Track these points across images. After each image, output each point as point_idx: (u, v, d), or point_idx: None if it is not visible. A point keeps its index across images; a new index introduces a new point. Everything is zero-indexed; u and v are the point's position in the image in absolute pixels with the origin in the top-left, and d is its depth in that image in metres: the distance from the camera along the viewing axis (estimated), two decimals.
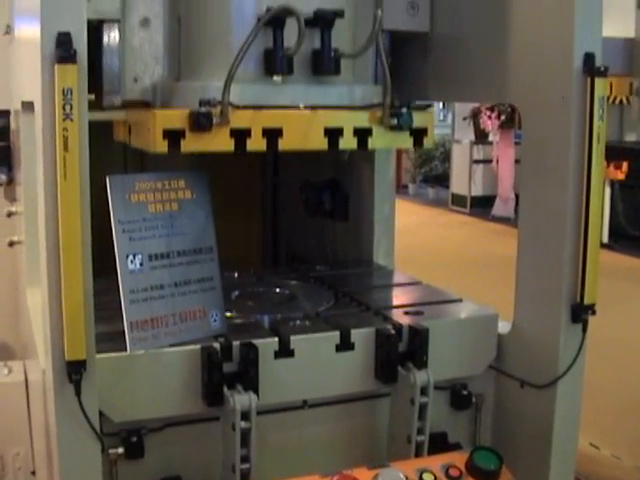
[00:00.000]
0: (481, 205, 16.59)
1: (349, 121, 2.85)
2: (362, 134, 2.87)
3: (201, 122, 2.62)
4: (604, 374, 6.30)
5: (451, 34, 3.48)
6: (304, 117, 2.81)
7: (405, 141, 2.95)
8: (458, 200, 17.21)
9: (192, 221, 2.86)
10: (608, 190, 12.61)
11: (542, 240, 3.03)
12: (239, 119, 2.69)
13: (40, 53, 2.35)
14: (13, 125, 4.07)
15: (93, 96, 2.78)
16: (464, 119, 16.35)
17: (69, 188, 2.35)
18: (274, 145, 2.76)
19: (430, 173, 19.64)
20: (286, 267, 4.62)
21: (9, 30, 4.09)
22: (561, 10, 2.85)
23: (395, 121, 2.86)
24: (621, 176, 12.45)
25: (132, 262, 2.71)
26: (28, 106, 2.88)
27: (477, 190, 16.99)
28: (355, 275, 3.90)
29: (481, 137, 16.66)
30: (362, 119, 2.88)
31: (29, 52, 2.76)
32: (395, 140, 2.94)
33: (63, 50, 2.31)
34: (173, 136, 2.65)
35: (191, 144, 2.66)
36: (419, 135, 2.96)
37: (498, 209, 15.83)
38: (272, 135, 2.75)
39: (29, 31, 2.77)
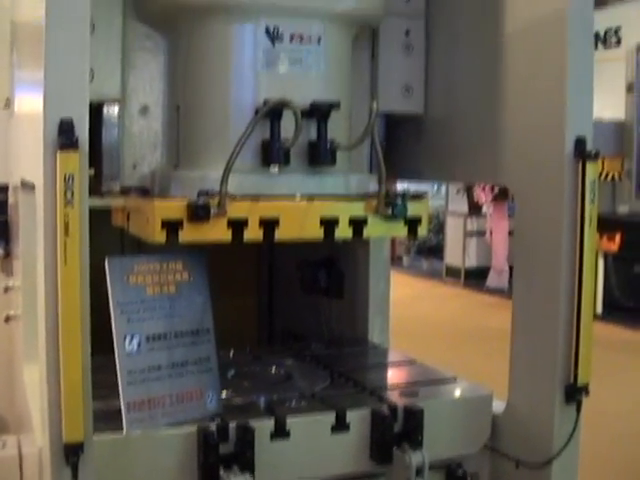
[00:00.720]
0: (475, 277, 16.62)
1: (345, 211, 2.90)
2: (357, 223, 2.91)
3: (199, 213, 2.66)
4: (597, 446, 6.28)
5: (445, 116, 3.56)
6: (300, 207, 2.86)
7: (400, 230, 2.98)
8: (452, 272, 17.24)
9: (190, 303, 2.89)
10: (601, 262, 12.66)
11: (535, 320, 3.06)
12: (236, 210, 2.74)
13: (42, 139, 2.41)
14: (12, 199, 4.10)
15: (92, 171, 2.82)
16: (458, 191, 16.47)
17: (69, 273, 2.39)
18: (271, 235, 2.80)
19: (424, 245, 19.69)
20: (282, 345, 4.63)
21: (9, 104, 4.14)
22: (553, 95, 2.94)
23: (390, 211, 2.91)
24: (614, 248, 12.50)
25: (130, 343, 2.74)
26: (28, 185, 2.93)
27: (471, 262, 17.04)
28: (350, 354, 3.92)
29: (475, 209, 16.77)
30: (357, 209, 2.92)
31: (30, 133, 2.82)
32: (390, 229, 2.98)
33: (65, 137, 2.38)
34: (171, 226, 2.69)
35: (189, 234, 2.70)
36: (413, 224, 3.00)
37: (492, 281, 15.86)
38: (269, 225, 2.79)
39: (31, 112, 2.83)
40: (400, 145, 3.74)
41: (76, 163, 2.38)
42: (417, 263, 19.70)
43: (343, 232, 2.90)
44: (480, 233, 16.82)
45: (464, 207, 16.89)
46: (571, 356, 2.92)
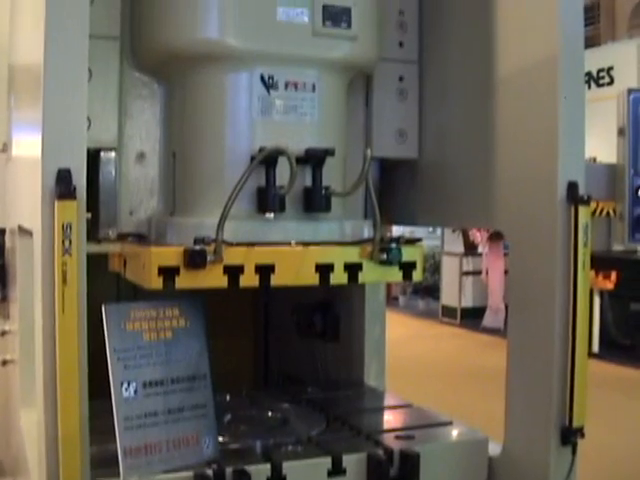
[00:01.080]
0: (472, 317, 16.60)
1: (340, 257, 2.92)
2: (353, 269, 2.94)
3: (195, 260, 2.68)
4: None
5: (439, 160, 3.60)
6: (296, 254, 2.88)
7: (395, 275, 3.01)
8: (448, 312, 17.23)
9: (186, 349, 2.90)
10: (597, 300, 12.65)
11: (530, 363, 3.07)
12: (232, 256, 2.76)
13: (40, 187, 2.44)
14: (9, 243, 4.12)
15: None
16: (453, 231, 16.49)
17: (67, 322, 2.42)
18: (267, 281, 2.82)
19: (420, 285, 19.68)
20: (278, 388, 4.63)
21: (6, 148, 4.17)
22: (545, 139, 2.97)
23: (385, 256, 2.93)
24: (610, 286, 12.50)
25: (127, 390, 2.75)
26: (26, 231, 2.95)
27: (467, 301, 17.02)
28: (347, 397, 3.92)
29: (470, 249, 16.79)
30: (352, 254, 2.94)
31: (28, 179, 2.85)
32: (385, 274, 3.01)
33: (63, 187, 2.41)
34: (168, 273, 2.71)
35: (185, 281, 2.72)
36: (408, 269, 3.03)
37: (488, 320, 15.85)
38: (265, 271, 2.81)
39: (28, 158, 2.86)
40: (394, 189, 3.77)
41: (74, 212, 2.41)
42: (413, 303, 19.68)
43: (338, 278, 2.92)
44: (476, 273, 16.81)
45: (460, 247, 16.91)
46: (566, 398, 2.93)
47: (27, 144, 3.00)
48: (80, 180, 2.45)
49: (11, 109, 3.97)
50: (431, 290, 19.20)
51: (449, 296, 17.33)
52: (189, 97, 3.08)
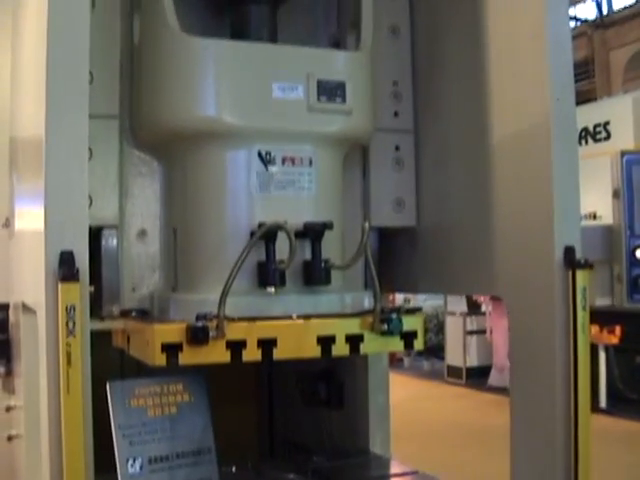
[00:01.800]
0: (477, 376, 16.51)
1: (341, 329, 2.95)
2: (354, 340, 2.96)
3: (198, 336, 2.71)
4: None
5: (437, 228, 3.62)
6: (297, 327, 2.91)
7: (396, 345, 3.04)
8: (453, 372, 17.13)
9: (191, 423, 2.93)
10: (603, 355, 12.60)
11: (533, 426, 3.07)
12: (234, 331, 2.79)
13: (44, 269, 2.47)
14: (12, 318, 4.13)
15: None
16: None
17: (72, 402, 2.43)
18: (269, 355, 2.84)
19: (425, 345, 19.61)
20: (284, 457, 4.62)
21: (8, 223, 4.19)
22: (540, 204, 3.00)
23: (386, 327, 2.95)
24: (615, 340, 12.43)
25: (132, 466, 2.77)
26: (30, 309, 2.97)
27: (472, 361, 16.94)
28: (352, 466, 3.91)
29: (474, 308, 16.75)
30: (353, 326, 2.97)
31: (31, 259, 2.87)
32: (386, 344, 3.04)
33: (66, 269, 2.44)
34: (171, 349, 2.73)
35: (188, 357, 2.74)
36: (410, 338, 3.06)
37: (494, 379, 15.76)
38: (267, 345, 2.84)
39: (31, 236, 2.89)
40: (394, 257, 3.79)
41: (77, 294, 2.44)
42: (418, 364, 19.57)
43: (340, 350, 2.95)
44: (480, 332, 16.76)
45: (463, 306, 16.87)
46: (570, 458, 2.92)
47: (29, 220, 3.04)
48: (83, 262, 2.49)
49: (13, 183, 4.00)
50: (435, 350, 19.10)
51: (454, 356, 17.24)
52: (188, 174, 3.13)
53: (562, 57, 3.02)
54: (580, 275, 2.91)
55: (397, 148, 3.67)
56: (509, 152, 3.20)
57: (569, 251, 2.94)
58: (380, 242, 3.75)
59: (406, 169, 3.68)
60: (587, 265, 2.95)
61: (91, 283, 2.61)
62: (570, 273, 2.91)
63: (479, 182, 3.33)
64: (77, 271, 2.45)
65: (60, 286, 2.43)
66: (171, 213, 3.22)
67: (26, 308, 3.28)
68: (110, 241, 3.16)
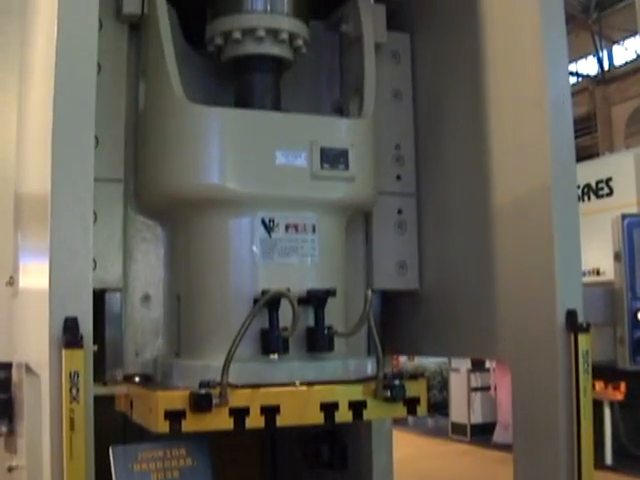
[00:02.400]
0: (482, 433, 16.38)
1: (344, 395, 2.95)
2: (357, 407, 2.96)
3: (201, 404, 2.71)
4: None
5: (439, 290, 3.64)
6: (301, 394, 2.91)
7: (399, 411, 3.04)
8: (458, 429, 17.01)
9: None
10: (608, 411, 12.52)
11: None
12: (238, 398, 2.78)
13: (48, 334, 2.48)
14: (15, 377, 4.12)
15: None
16: None
17: (75, 467, 2.43)
18: (272, 422, 2.84)
19: (429, 401, 19.49)
20: None
21: (12, 281, 4.20)
22: (542, 268, 3.02)
23: (389, 393, 2.95)
24: (620, 397, 12.35)
25: None
26: (33, 371, 2.97)
27: (477, 418, 16.82)
28: None
29: (478, 364, 16.68)
30: (356, 393, 2.97)
31: (35, 323, 2.87)
32: (389, 410, 3.03)
33: (70, 335, 2.45)
34: (174, 416, 2.73)
35: (192, 424, 2.74)
36: (413, 404, 3.06)
37: (499, 436, 15.65)
38: (270, 412, 2.83)
39: (35, 297, 2.89)
40: (397, 320, 3.80)
41: (81, 360, 2.45)
42: (422, 421, 19.38)
43: (343, 416, 2.94)
44: (485, 388, 16.68)
45: (467, 363, 16.81)
46: None
47: (33, 281, 3.04)
48: (87, 328, 2.50)
49: (17, 241, 4.02)
50: (440, 407, 19.01)
51: (458, 412, 17.13)
52: (192, 241, 3.15)
53: (563, 124, 3.06)
54: (582, 339, 2.91)
55: (400, 211, 3.70)
56: (510, 215, 3.22)
57: (571, 315, 2.95)
58: (383, 305, 3.76)
59: (409, 232, 3.71)
60: (589, 329, 2.96)
61: (94, 343, 2.61)
62: (572, 336, 2.92)
63: (480, 245, 3.36)
64: (81, 337, 2.46)
65: (64, 352, 2.44)
66: (175, 279, 3.24)
67: (29, 370, 3.28)
68: (114, 305, 3.18)
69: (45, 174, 2.63)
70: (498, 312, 3.26)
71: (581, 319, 2.96)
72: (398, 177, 3.72)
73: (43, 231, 2.64)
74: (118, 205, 3.19)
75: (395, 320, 3.80)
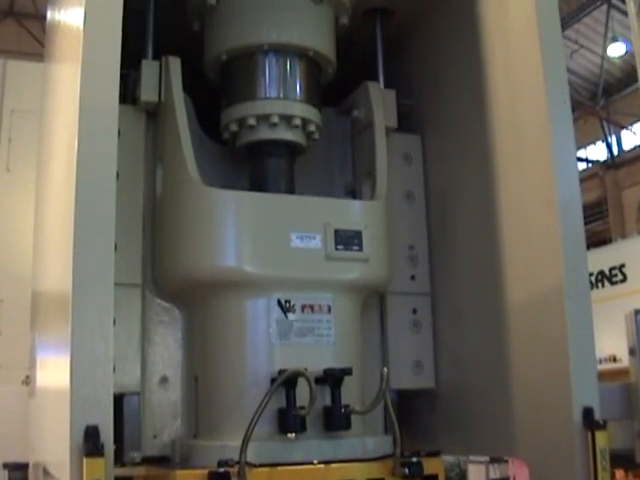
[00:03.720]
0: None
1: (362, 473, 2.94)
2: None
3: None
4: None
5: (455, 389, 3.65)
6: (318, 472, 2.91)
7: None
8: None
9: None
10: None
11: None
12: (256, 477, 2.78)
13: (68, 441, 2.43)
14: (32, 477, 4.09)
15: None
16: None
17: None
18: None
19: None
20: None
21: (28, 381, 4.19)
22: (558, 366, 2.99)
23: (406, 470, 2.94)
24: None
25: None
26: (52, 475, 2.95)
27: None
28: None
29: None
30: (374, 470, 2.96)
31: (54, 428, 2.84)
32: None
33: (92, 444, 2.40)
34: None
35: None
36: None
37: None
38: None
39: (54, 406, 2.88)
40: (413, 418, 3.79)
41: (102, 469, 2.39)
42: None
43: None
44: None
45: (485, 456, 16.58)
46: None
47: (52, 383, 3.03)
48: (108, 436, 2.44)
49: (34, 339, 4.01)
50: None
51: None
52: (209, 322, 3.18)
53: (573, 221, 3.08)
54: (599, 436, 2.88)
55: (414, 311, 3.73)
56: (523, 313, 3.24)
57: (588, 412, 2.92)
58: (400, 403, 3.72)
59: (424, 331, 3.72)
60: (606, 426, 2.92)
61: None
62: (589, 434, 2.89)
63: (494, 343, 3.37)
64: (102, 446, 2.41)
65: (85, 461, 2.38)
66: (192, 361, 3.26)
67: (47, 473, 3.24)
68: (132, 390, 3.17)
69: (65, 278, 2.60)
70: (514, 410, 3.24)
71: (598, 416, 2.93)
72: (412, 277, 3.76)
73: (62, 334, 2.63)
74: (136, 307, 3.23)
75: (412, 418, 3.79)
